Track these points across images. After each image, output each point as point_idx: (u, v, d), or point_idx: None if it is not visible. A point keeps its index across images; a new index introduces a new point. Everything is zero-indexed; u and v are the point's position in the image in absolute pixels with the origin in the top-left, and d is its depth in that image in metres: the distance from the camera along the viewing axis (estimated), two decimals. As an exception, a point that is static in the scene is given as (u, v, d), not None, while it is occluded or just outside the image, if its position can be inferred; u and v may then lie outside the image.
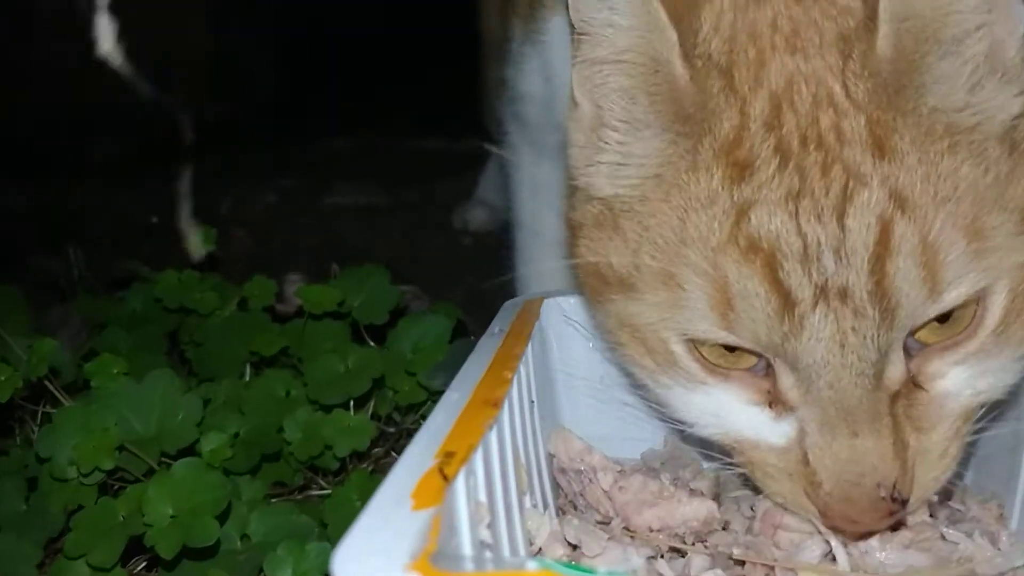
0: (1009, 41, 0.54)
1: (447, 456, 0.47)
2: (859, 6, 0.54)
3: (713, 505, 0.64)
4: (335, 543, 0.72)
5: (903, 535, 0.59)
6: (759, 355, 0.55)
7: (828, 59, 0.53)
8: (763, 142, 0.52)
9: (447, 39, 1.55)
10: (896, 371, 0.53)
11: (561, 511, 0.70)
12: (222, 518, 0.72)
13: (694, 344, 0.56)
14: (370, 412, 0.92)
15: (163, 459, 0.80)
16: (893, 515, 0.54)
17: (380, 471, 0.91)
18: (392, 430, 0.95)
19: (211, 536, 0.70)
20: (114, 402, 0.81)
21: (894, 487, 0.53)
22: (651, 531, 0.64)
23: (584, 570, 0.36)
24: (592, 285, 0.62)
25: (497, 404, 0.56)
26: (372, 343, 0.99)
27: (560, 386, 0.78)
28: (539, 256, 0.99)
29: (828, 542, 0.59)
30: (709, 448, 0.65)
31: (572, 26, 0.59)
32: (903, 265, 0.50)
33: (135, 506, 0.73)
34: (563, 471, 0.70)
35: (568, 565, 0.36)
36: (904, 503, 0.54)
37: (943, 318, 0.53)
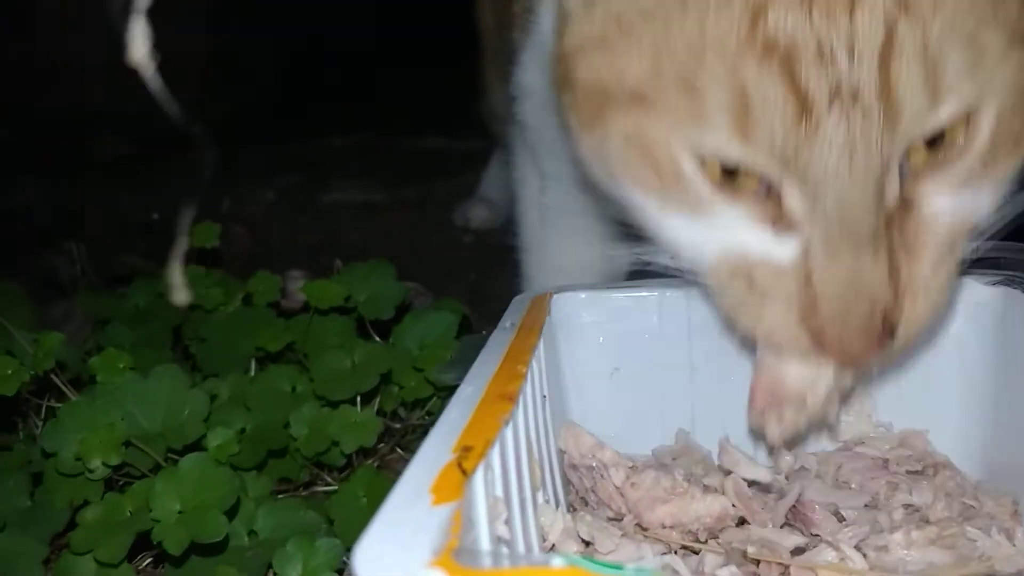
0: None
1: (465, 450, 0.47)
2: None
3: (727, 501, 0.64)
4: (342, 539, 0.72)
5: (929, 531, 0.58)
6: (762, 178, 0.54)
7: None
8: None
9: (447, 37, 1.55)
10: (893, 187, 0.53)
11: (572, 507, 0.69)
12: (230, 514, 0.71)
13: (700, 160, 0.55)
14: (376, 408, 0.92)
15: (169, 455, 0.79)
16: (882, 344, 0.54)
17: (386, 467, 0.91)
18: (398, 426, 0.94)
19: (219, 532, 0.69)
20: (120, 397, 0.80)
21: (886, 309, 0.53)
22: (664, 528, 0.64)
23: (610, 566, 0.35)
24: (591, 109, 0.59)
25: (512, 398, 0.55)
26: (378, 339, 0.98)
27: (570, 381, 0.77)
28: (545, 281, 0.97)
29: (839, 547, 0.59)
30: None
31: None
32: (907, 66, 0.49)
33: (142, 502, 0.72)
34: (574, 467, 0.70)
35: (594, 561, 0.35)
36: (893, 333, 0.54)
37: (933, 143, 0.53)
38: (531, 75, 0.86)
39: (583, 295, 0.79)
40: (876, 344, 0.54)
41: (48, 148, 1.99)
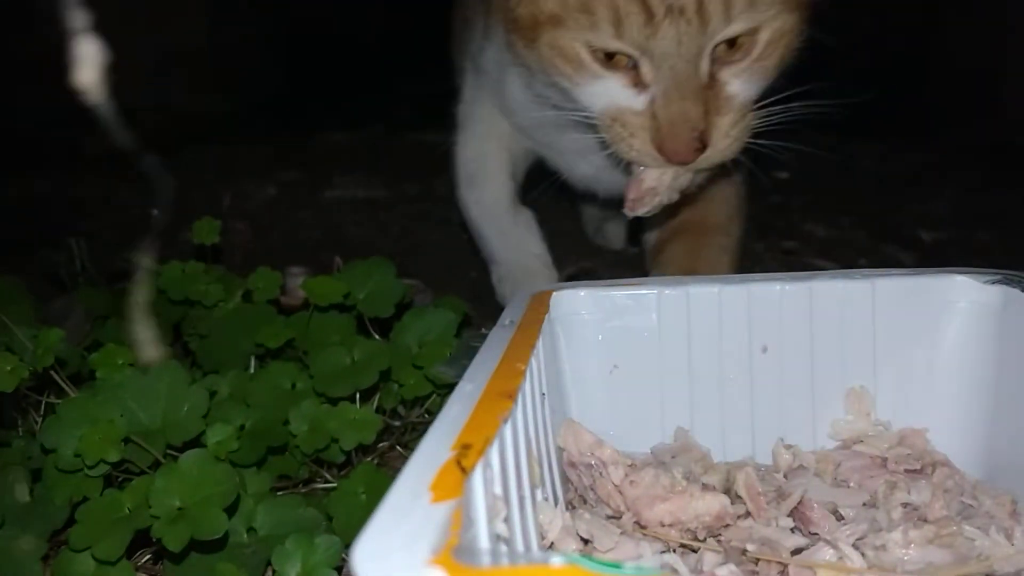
0: None
1: (464, 448, 0.47)
2: None
3: (726, 500, 0.64)
4: (342, 536, 0.72)
5: (927, 530, 0.58)
6: (629, 56, 0.85)
7: None
8: None
9: (448, 33, 1.55)
10: (705, 65, 0.84)
11: (571, 505, 0.69)
12: (229, 511, 0.71)
13: (592, 51, 0.86)
14: (375, 405, 0.91)
15: (169, 451, 0.79)
16: (698, 151, 0.86)
17: (385, 465, 0.91)
18: (398, 423, 0.94)
19: (219, 528, 0.69)
20: (120, 393, 0.80)
21: (702, 132, 0.85)
22: (663, 526, 0.64)
23: (610, 565, 0.35)
24: (527, 33, 0.91)
25: (512, 396, 0.55)
26: (378, 336, 0.98)
27: (569, 379, 0.77)
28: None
29: (837, 545, 0.59)
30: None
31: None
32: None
33: (141, 498, 0.72)
34: (573, 465, 0.70)
35: (593, 560, 0.35)
36: (704, 148, 0.86)
37: (731, 44, 0.85)
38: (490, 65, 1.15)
39: (582, 293, 0.79)
40: (695, 152, 0.86)
41: (49, 144, 1.99)
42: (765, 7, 0.84)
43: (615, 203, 1.03)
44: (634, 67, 0.86)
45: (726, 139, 0.87)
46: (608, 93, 0.88)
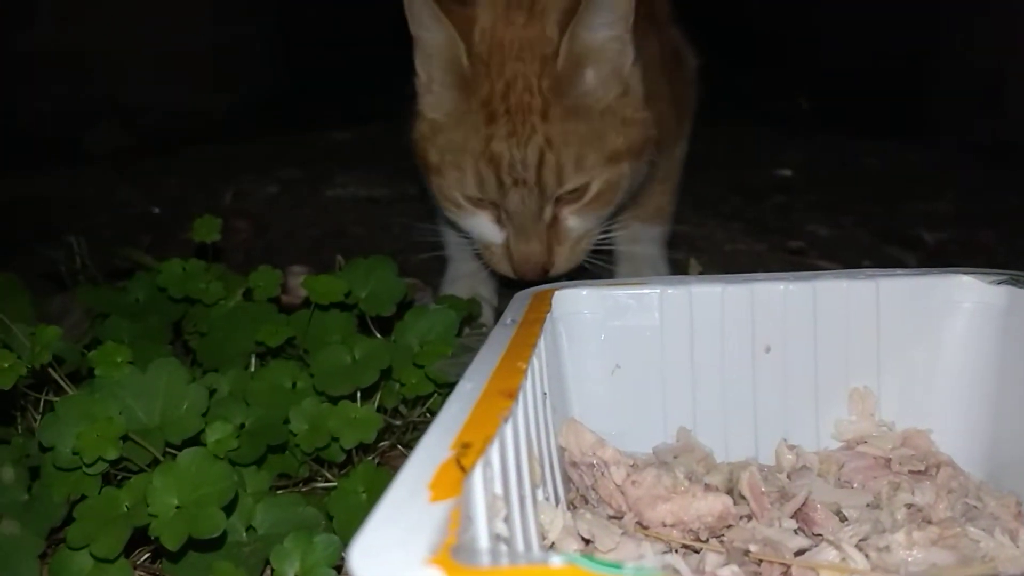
0: (625, 64, 1.04)
1: (464, 447, 0.46)
2: (555, 39, 1.00)
3: (728, 500, 0.63)
4: (341, 535, 0.72)
5: (930, 531, 0.58)
6: (491, 204, 1.05)
7: (533, 66, 1.00)
8: (499, 103, 1.00)
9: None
10: (548, 212, 1.03)
11: (572, 505, 0.69)
12: (228, 509, 0.71)
13: (464, 196, 1.06)
14: (376, 404, 0.91)
15: (167, 449, 0.79)
16: (545, 273, 1.05)
17: (386, 464, 0.91)
18: (398, 423, 0.94)
19: (217, 527, 0.69)
20: (118, 391, 0.80)
21: (544, 263, 1.05)
22: (664, 526, 0.64)
23: (610, 565, 0.35)
24: (425, 171, 1.09)
25: (512, 395, 0.55)
26: (378, 335, 0.98)
27: (570, 378, 0.77)
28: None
29: (841, 546, 0.58)
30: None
31: None
32: (547, 172, 1.00)
33: (139, 496, 0.72)
34: (575, 465, 0.69)
35: (593, 560, 0.35)
36: (548, 272, 1.06)
37: (571, 194, 1.03)
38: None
39: (584, 292, 0.78)
40: (542, 274, 1.05)
41: (48, 141, 1.99)
42: (591, 168, 1.02)
43: None
44: (496, 209, 1.05)
45: (567, 261, 1.07)
46: (481, 226, 1.08)
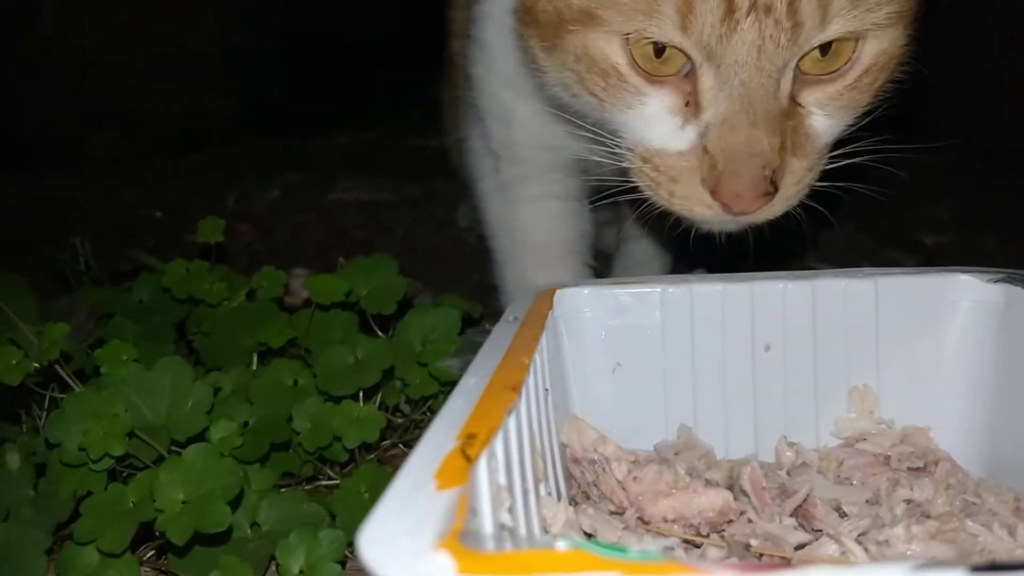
0: None
1: (468, 438, 0.47)
2: None
3: (729, 495, 0.64)
4: (345, 533, 0.72)
5: (929, 525, 0.59)
6: (687, 60, 0.68)
7: None
8: None
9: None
10: (787, 84, 0.68)
11: (574, 501, 0.69)
12: (234, 505, 0.71)
13: (635, 56, 0.69)
14: (378, 403, 0.91)
15: (173, 447, 0.79)
16: (766, 196, 0.68)
17: (388, 463, 0.91)
18: (401, 421, 0.94)
19: (223, 522, 0.69)
20: (124, 388, 0.80)
21: (774, 172, 0.67)
22: (666, 522, 0.64)
23: (615, 549, 0.35)
24: (547, 33, 0.74)
25: (516, 388, 0.56)
26: (380, 333, 0.98)
27: (572, 376, 0.78)
28: (524, 263, 1.06)
29: (840, 540, 0.59)
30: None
31: None
32: None
33: (145, 492, 0.72)
34: (576, 461, 0.70)
35: (598, 544, 0.35)
36: (775, 192, 0.69)
37: (824, 51, 0.68)
38: (491, 32, 0.94)
39: (586, 291, 0.79)
40: (762, 195, 0.68)
41: (54, 144, 2.00)
42: (872, 9, 0.67)
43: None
44: (687, 75, 0.69)
45: (796, 187, 0.71)
46: (644, 121, 0.71)
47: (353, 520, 0.77)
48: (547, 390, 0.68)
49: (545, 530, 0.59)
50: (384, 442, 0.92)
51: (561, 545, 0.36)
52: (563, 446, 0.70)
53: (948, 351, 0.76)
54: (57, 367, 0.84)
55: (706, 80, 0.67)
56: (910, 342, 0.77)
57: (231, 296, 1.01)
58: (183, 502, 0.71)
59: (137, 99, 2.20)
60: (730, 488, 0.67)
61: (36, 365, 0.82)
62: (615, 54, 0.70)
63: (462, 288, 1.32)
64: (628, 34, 0.68)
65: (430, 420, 0.75)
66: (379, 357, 0.90)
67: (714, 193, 0.69)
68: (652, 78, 0.69)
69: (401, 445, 0.94)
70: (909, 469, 0.71)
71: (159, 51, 2.24)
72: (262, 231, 1.67)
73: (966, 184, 1.96)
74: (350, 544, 0.73)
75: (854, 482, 0.71)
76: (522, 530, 0.52)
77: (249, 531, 0.76)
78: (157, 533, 0.71)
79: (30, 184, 1.89)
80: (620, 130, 0.74)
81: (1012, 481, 0.69)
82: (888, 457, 0.73)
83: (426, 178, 1.88)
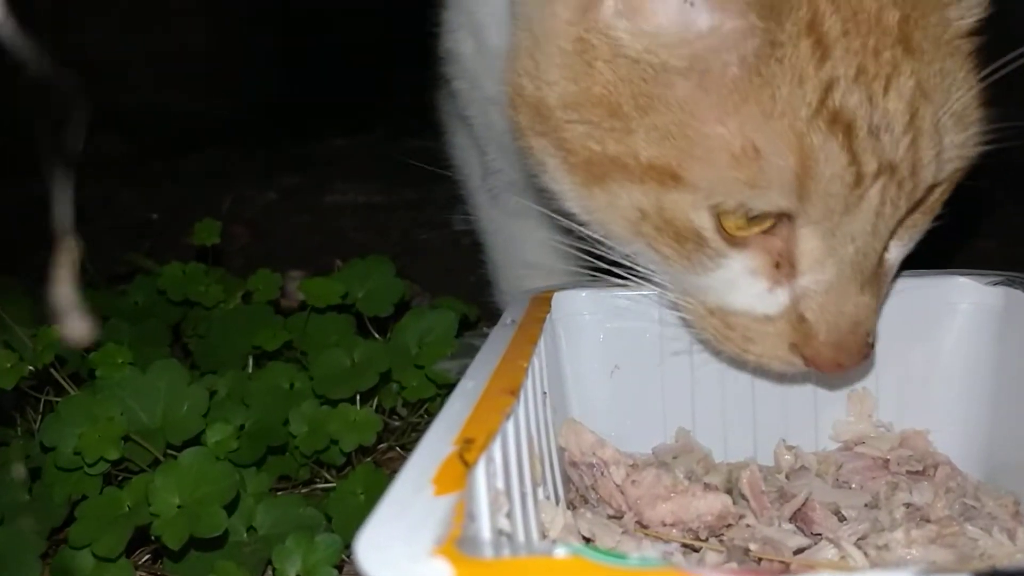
0: None
1: (466, 442, 0.47)
2: None
3: (728, 499, 0.64)
4: (340, 537, 0.72)
5: (929, 529, 0.58)
6: (780, 218, 0.59)
7: None
8: (834, 24, 0.56)
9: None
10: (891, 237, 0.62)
11: (572, 505, 0.69)
12: (229, 509, 0.71)
13: (720, 224, 0.60)
14: (375, 406, 0.91)
15: (168, 450, 0.79)
16: (866, 358, 0.64)
17: (384, 466, 0.91)
18: (397, 424, 0.94)
19: (219, 526, 0.69)
20: (119, 392, 0.80)
21: (870, 338, 0.63)
22: (664, 526, 0.64)
23: (614, 556, 0.35)
24: (591, 173, 0.62)
25: (514, 392, 0.55)
26: (377, 336, 0.98)
27: (570, 379, 0.77)
28: (515, 278, 1.00)
29: (840, 544, 0.59)
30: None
31: None
32: (927, 144, 0.58)
33: (141, 496, 0.72)
34: (575, 464, 0.69)
35: (597, 550, 0.35)
36: (871, 349, 0.65)
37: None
38: (462, 43, 0.86)
39: (584, 294, 0.79)
40: (865, 356, 0.64)
41: (48, 146, 1.99)
42: (971, 138, 0.62)
43: None
44: (770, 229, 0.60)
45: (875, 326, 0.66)
46: (720, 283, 0.63)
47: (349, 523, 0.76)
48: (545, 393, 0.67)
49: (543, 534, 0.58)
50: (381, 445, 0.92)
51: (560, 552, 0.35)
52: (561, 450, 0.70)
53: (947, 354, 0.76)
54: (52, 370, 0.84)
55: (808, 242, 0.60)
56: (909, 345, 0.76)
57: (227, 299, 1.01)
58: (179, 506, 0.71)
59: (133, 101, 2.19)
60: (729, 492, 0.67)
61: (31, 368, 0.81)
62: (700, 219, 0.60)
63: (459, 290, 1.32)
64: (720, 203, 0.59)
65: (427, 423, 0.75)
66: (375, 360, 0.90)
67: (809, 360, 0.63)
68: (736, 239, 0.60)
69: (398, 448, 0.94)
70: (908, 472, 0.71)
71: (155, 53, 2.23)
72: (258, 233, 1.67)
73: (966, 187, 1.96)
74: (347, 547, 0.73)
75: (853, 486, 0.71)
76: (520, 535, 0.51)
77: (245, 535, 0.76)
78: (152, 537, 0.70)
79: (24, 185, 1.88)
80: (686, 288, 0.66)
81: (1011, 484, 0.69)
82: (887, 460, 0.73)
83: (422, 181, 1.88)
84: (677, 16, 0.57)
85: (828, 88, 0.55)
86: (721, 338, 0.66)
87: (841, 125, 0.55)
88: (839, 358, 0.62)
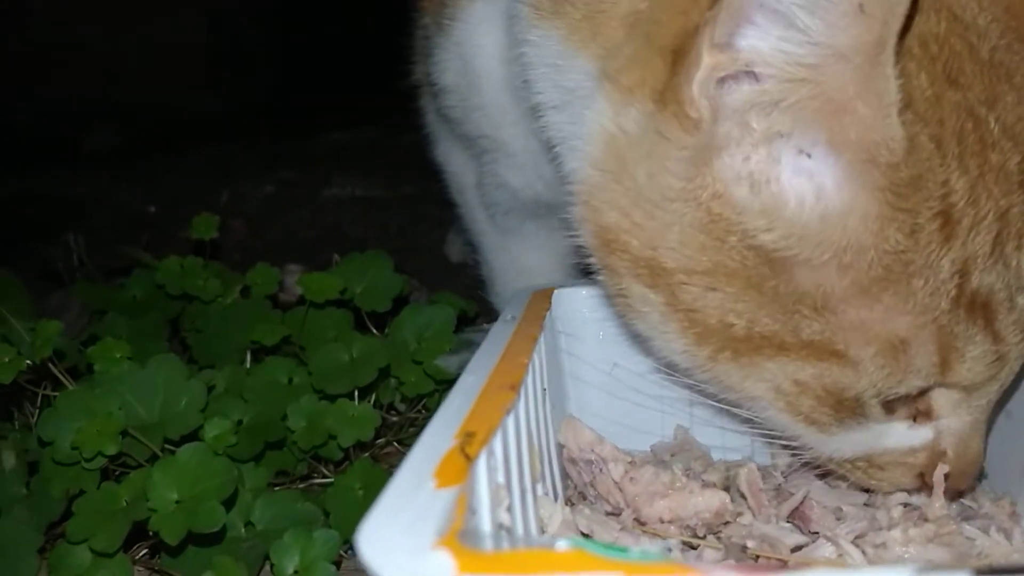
0: None
1: (468, 436, 0.47)
2: None
3: (725, 496, 0.64)
4: (338, 532, 0.72)
5: (926, 528, 0.58)
6: (917, 394, 0.60)
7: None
8: (966, 198, 0.53)
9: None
10: None
11: (570, 502, 0.69)
12: (227, 504, 0.71)
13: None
14: (373, 401, 0.91)
15: (166, 445, 0.79)
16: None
17: (382, 461, 0.91)
18: (395, 419, 0.94)
19: (217, 521, 0.69)
20: (117, 386, 0.80)
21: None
22: (662, 522, 0.64)
23: (615, 549, 0.35)
24: (738, 348, 0.59)
25: (515, 387, 0.55)
26: (375, 331, 0.98)
27: (569, 376, 0.77)
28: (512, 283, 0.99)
29: (837, 542, 0.59)
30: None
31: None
32: None
33: (138, 491, 0.72)
34: (573, 461, 0.69)
35: (598, 544, 0.35)
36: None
37: None
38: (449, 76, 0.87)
39: (584, 291, 0.79)
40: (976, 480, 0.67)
41: (46, 140, 1.99)
42: None
43: None
44: (919, 397, 0.62)
45: None
46: (875, 435, 0.63)
47: (347, 519, 0.76)
48: (545, 390, 0.67)
49: (542, 530, 0.58)
50: (379, 440, 0.92)
51: (561, 545, 0.35)
52: (560, 446, 0.70)
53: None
54: (50, 364, 0.83)
55: (943, 399, 0.61)
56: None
57: (225, 293, 1.01)
58: (176, 501, 0.70)
59: (131, 95, 2.19)
60: (727, 489, 0.67)
61: (29, 362, 0.81)
62: (868, 395, 0.59)
63: (456, 285, 1.32)
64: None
65: (425, 418, 0.75)
66: (374, 355, 0.90)
67: (934, 486, 0.64)
68: (889, 407, 0.61)
69: (396, 443, 0.94)
70: (906, 472, 0.71)
71: (153, 47, 2.23)
72: (256, 228, 1.67)
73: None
74: (345, 543, 0.73)
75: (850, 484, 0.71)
76: (520, 530, 0.51)
77: (243, 530, 0.75)
78: (150, 532, 0.70)
79: (23, 180, 1.88)
80: (834, 447, 0.64)
81: (1008, 486, 0.69)
82: (885, 459, 0.73)
83: (421, 175, 1.87)
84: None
85: (965, 272, 0.54)
86: (851, 468, 0.66)
87: (981, 308, 0.55)
88: (960, 486, 0.65)
